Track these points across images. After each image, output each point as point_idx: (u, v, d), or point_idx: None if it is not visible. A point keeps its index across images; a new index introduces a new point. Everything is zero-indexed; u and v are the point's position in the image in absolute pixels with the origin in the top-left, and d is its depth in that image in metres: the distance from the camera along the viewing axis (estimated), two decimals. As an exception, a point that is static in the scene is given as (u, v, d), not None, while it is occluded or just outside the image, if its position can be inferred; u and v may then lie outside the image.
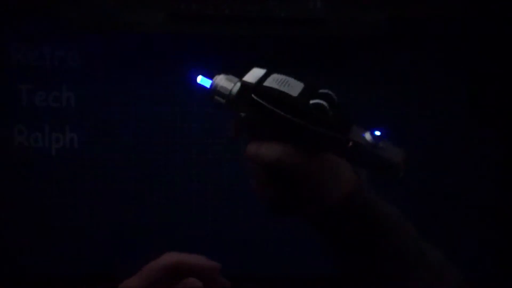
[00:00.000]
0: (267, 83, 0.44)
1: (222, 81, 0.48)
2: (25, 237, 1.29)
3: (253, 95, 0.44)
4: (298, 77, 0.45)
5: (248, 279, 1.32)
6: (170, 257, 0.39)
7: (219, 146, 1.30)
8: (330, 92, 0.44)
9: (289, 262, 1.30)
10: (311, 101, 0.43)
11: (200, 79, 0.49)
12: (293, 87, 0.44)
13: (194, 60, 1.29)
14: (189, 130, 1.31)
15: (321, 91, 0.44)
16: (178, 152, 1.31)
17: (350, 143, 0.42)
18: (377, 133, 0.42)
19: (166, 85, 1.31)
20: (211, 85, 0.48)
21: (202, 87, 0.49)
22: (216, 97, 0.48)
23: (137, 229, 1.30)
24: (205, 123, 1.31)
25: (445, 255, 0.48)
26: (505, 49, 1.30)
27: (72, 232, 1.30)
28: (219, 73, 0.49)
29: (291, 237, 1.26)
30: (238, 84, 0.46)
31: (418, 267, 0.45)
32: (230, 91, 0.46)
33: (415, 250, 0.45)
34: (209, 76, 0.49)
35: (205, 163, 1.31)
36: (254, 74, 0.46)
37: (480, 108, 1.32)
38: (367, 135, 0.41)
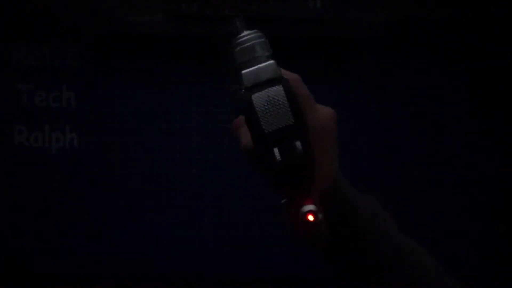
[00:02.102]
0: (257, 97, 0.40)
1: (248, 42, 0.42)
2: (25, 236, 1.29)
3: (239, 95, 0.41)
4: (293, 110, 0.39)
5: (248, 279, 1.32)
6: None
7: (219, 146, 1.30)
8: (300, 151, 0.38)
9: (289, 262, 1.30)
10: (275, 149, 0.38)
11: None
12: (276, 117, 0.39)
13: (194, 60, 1.29)
14: (189, 130, 1.31)
15: (297, 145, 0.38)
16: (178, 151, 1.31)
17: (283, 201, 0.42)
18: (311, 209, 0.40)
19: (166, 85, 1.31)
20: (239, 29, 0.43)
21: None
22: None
23: (137, 228, 1.30)
24: (204, 123, 1.31)
25: (445, 255, 0.48)
26: (505, 49, 1.30)
27: (71, 231, 1.30)
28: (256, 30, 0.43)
29: (290, 237, 1.26)
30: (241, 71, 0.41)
31: (396, 262, 0.44)
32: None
33: (392, 245, 0.45)
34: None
35: (205, 163, 1.31)
36: (258, 74, 0.41)
37: (480, 107, 1.32)
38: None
